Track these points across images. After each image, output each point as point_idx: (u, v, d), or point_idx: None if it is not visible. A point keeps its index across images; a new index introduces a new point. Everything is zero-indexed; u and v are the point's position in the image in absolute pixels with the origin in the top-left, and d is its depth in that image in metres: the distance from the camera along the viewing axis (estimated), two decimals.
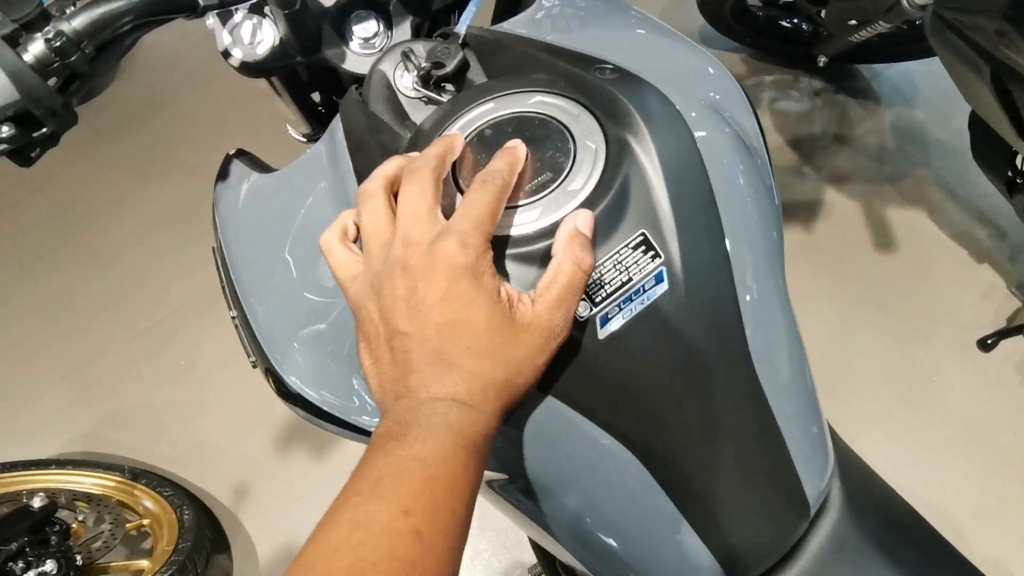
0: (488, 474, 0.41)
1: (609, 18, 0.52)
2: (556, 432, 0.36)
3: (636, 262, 0.34)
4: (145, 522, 1.16)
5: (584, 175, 0.35)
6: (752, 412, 0.38)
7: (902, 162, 1.56)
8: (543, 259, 0.33)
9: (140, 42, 0.43)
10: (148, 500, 1.16)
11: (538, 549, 0.63)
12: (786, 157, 1.59)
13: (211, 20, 0.50)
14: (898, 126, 1.63)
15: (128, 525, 1.15)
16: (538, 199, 0.35)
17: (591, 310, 0.33)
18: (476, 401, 0.31)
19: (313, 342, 0.42)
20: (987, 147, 1.21)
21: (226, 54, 0.50)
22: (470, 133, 0.39)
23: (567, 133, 0.37)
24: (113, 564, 1.11)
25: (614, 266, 0.34)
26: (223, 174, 0.52)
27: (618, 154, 0.35)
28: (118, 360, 1.51)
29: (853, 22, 1.28)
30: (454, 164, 0.37)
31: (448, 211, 0.33)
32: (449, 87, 0.45)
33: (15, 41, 0.34)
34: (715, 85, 0.46)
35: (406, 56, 0.46)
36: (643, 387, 0.35)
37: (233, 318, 0.48)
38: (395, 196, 0.34)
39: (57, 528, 1.04)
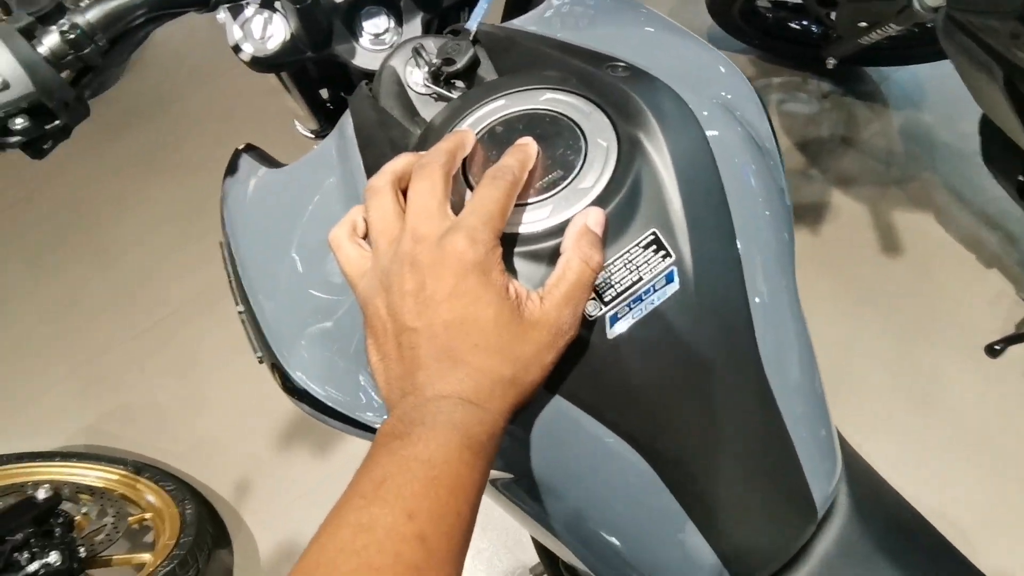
0: (493, 473, 0.41)
1: (620, 16, 0.52)
2: (563, 431, 0.36)
3: (647, 261, 0.34)
4: (147, 516, 1.16)
5: (595, 173, 0.35)
6: (760, 414, 0.38)
7: (910, 165, 1.55)
8: (553, 257, 0.33)
9: (148, 37, 0.43)
10: (151, 494, 1.17)
11: (541, 549, 0.62)
12: (794, 159, 1.59)
13: (222, 14, 0.50)
14: (906, 129, 1.62)
15: (131, 519, 1.16)
16: (549, 197, 0.34)
17: (601, 309, 0.33)
18: (482, 399, 0.30)
19: (320, 338, 0.42)
20: (998, 151, 1.20)
21: (237, 49, 0.50)
22: (481, 130, 0.38)
23: (578, 131, 0.37)
24: (116, 557, 1.11)
25: (624, 265, 0.33)
26: (232, 169, 0.51)
27: (630, 152, 0.35)
28: (122, 355, 1.51)
29: (863, 24, 1.28)
30: (464, 161, 0.37)
31: (458, 208, 0.33)
32: (459, 84, 0.45)
33: (30, 34, 0.34)
34: (727, 84, 0.46)
35: (417, 52, 0.46)
36: (652, 387, 0.35)
37: (240, 313, 0.48)
38: (404, 192, 0.34)
39: (61, 520, 1.04)
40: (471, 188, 0.36)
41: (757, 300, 0.37)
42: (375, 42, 0.52)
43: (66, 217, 1.81)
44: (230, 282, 0.49)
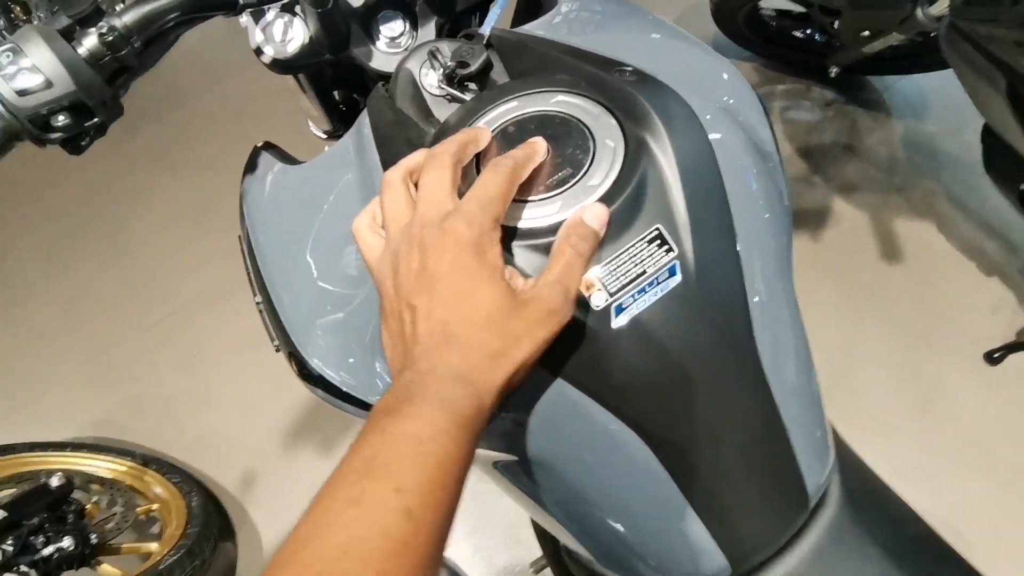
0: (496, 455, 0.42)
1: (627, 22, 0.53)
2: (567, 415, 0.37)
3: (651, 255, 0.35)
4: (155, 507, 1.18)
5: (603, 172, 0.36)
6: (757, 405, 0.40)
7: (912, 174, 1.56)
8: None
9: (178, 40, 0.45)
10: (158, 486, 1.19)
11: (541, 533, 0.64)
12: (796, 166, 1.60)
13: (244, 18, 0.51)
14: (908, 138, 1.63)
15: (138, 509, 1.18)
16: (558, 193, 0.36)
17: (607, 299, 0.35)
18: (472, 373, 0.31)
19: (336, 327, 0.44)
20: (1000, 160, 1.21)
21: (258, 51, 0.52)
22: (494, 130, 0.40)
23: (587, 132, 0.38)
24: (124, 545, 1.13)
25: (630, 258, 0.35)
26: (251, 165, 0.53)
27: (636, 152, 0.37)
28: (133, 349, 1.54)
29: (866, 33, 1.29)
30: (478, 159, 0.39)
31: None
32: (472, 86, 0.47)
33: (70, 35, 0.36)
34: (730, 90, 0.48)
35: (432, 55, 0.47)
36: (653, 375, 0.36)
37: (258, 303, 0.49)
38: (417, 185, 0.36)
39: (73, 507, 1.07)
40: None
41: (756, 299, 0.39)
42: (391, 45, 0.54)
43: (80, 213, 1.83)
44: (248, 274, 0.51)
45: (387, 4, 0.53)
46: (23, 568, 0.91)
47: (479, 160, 0.39)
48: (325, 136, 0.74)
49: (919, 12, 1.12)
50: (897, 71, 1.67)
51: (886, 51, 1.34)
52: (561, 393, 0.37)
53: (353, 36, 0.53)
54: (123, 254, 1.72)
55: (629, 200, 0.35)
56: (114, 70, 0.38)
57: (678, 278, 0.36)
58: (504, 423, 0.39)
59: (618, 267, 0.35)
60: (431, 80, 0.48)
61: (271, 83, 0.64)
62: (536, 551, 0.76)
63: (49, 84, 0.35)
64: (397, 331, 0.34)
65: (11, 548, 0.91)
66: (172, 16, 0.39)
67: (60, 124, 0.36)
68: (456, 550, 1.17)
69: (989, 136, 1.21)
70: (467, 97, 0.46)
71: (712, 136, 0.40)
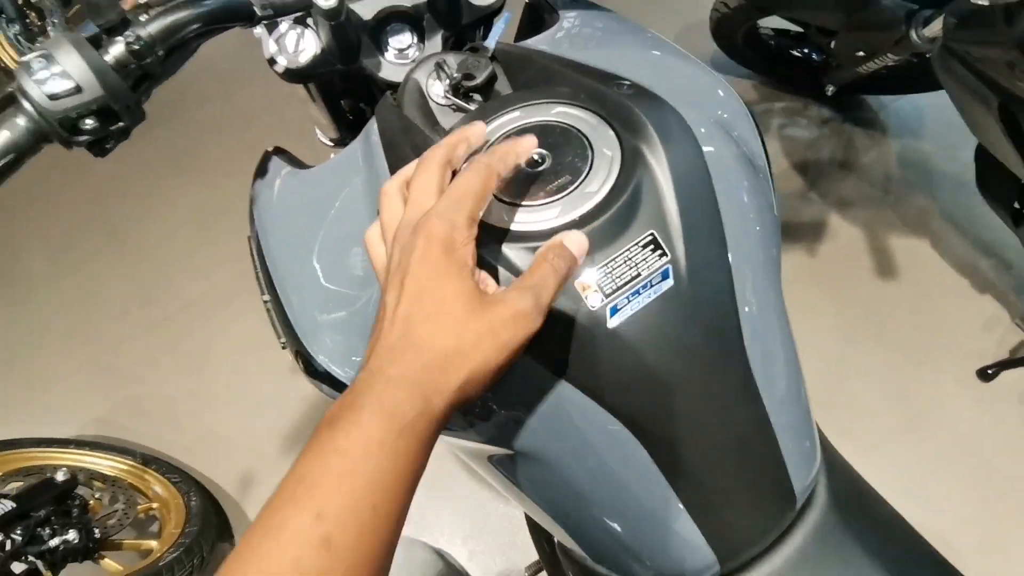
0: (491, 449, 0.44)
1: (626, 38, 0.56)
2: (562, 411, 0.39)
3: (645, 259, 0.37)
4: (154, 506, 1.19)
5: (600, 179, 0.38)
6: (746, 407, 0.41)
7: (907, 191, 1.59)
8: None
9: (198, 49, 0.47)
10: (158, 485, 1.20)
11: (536, 535, 0.65)
12: (793, 182, 1.63)
13: (258, 30, 0.53)
14: (904, 156, 1.66)
15: (139, 507, 1.19)
16: (557, 199, 0.38)
17: (602, 300, 0.36)
18: (420, 373, 0.30)
19: (342, 325, 0.45)
20: (992, 178, 1.23)
21: (272, 61, 0.54)
22: (496, 139, 0.42)
23: (586, 141, 0.40)
24: (125, 541, 1.15)
25: (625, 261, 0.37)
26: (261, 169, 0.55)
27: (632, 162, 0.39)
28: (137, 349, 1.55)
29: (861, 54, 1.31)
30: None
31: None
32: (477, 97, 0.49)
33: (97, 43, 0.38)
34: (724, 105, 0.50)
35: (439, 67, 0.49)
36: (647, 373, 0.38)
37: (266, 302, 0.51)
38: None
39: (77, 502, 1.09)
40: (495, 190, 0.39)
41: (747, 309, 0.40)
42: (399, 56, 0.56)
43: (88, 214, 1.85)
44: (256, 274, 0.52)
45: (396, 17, 0.55)
46: (31, 558, 0.93)
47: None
48: (332, 143, 0.76)
49: (913, 34, 1.14)
50: (892, 91, 1.70)
51: (882, 71, 1.36)
52: (557, 389, 0.38)
53: (363, 47, 0.55)
54: (130, 255, 1.74)
55: (625, 206, 0.37)
56: (138, 77, 0.40)
57: (670, 281, 0.37)
58: (500, 417, 0.41)
59: (614, 270, 0.37)
60: (437, 90, 0.50)
61: (280, 91, 0.66)
62: (531, 555, 0.77)
63: (79, 89, 0.36)
64: (375, 329, 0.33)
65: (20, 538, 0.93)
66: (194, 27, 0.41)
67: (88, 127, 0.38)
68: (452, 554, 1.18)
69: (982, 155, 1.24)
70: (472, 107, 0.48)
71: (705, 148, 0.42)
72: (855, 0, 1.22)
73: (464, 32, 0.59)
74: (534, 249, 0.37)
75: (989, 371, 1.29)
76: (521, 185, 0.39)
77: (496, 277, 0.36)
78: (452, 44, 0.59)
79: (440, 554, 0.67)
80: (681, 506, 0.41)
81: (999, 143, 1.07)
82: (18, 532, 0.94)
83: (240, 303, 1.55)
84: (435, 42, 0.56)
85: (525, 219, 0.38)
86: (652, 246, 0.37)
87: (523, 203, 0.38)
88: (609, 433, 0.39)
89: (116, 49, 0.38)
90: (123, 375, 1.51)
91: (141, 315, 1.60)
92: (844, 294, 1.44)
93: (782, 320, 0.45)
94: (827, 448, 0.50)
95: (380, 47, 0.56)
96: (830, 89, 1.53)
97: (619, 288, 0.36)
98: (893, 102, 1.75)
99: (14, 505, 0.98)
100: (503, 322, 0.31)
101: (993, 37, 0.91)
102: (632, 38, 0.55)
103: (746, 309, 0.41)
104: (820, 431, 0.49)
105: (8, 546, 0.93)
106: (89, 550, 1.03)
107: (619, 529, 0.42)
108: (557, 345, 0.37)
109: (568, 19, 0.58)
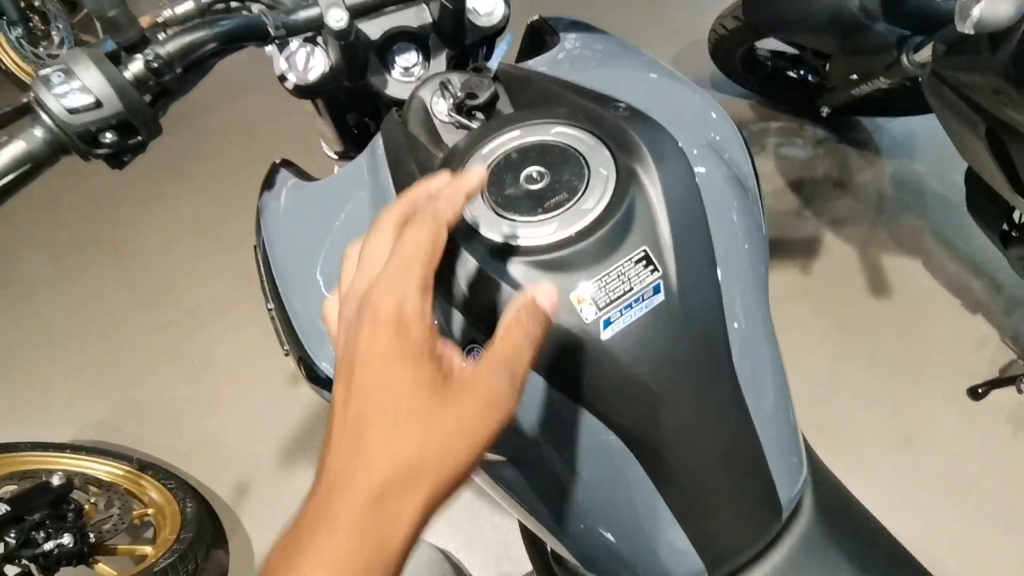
0: (486, 456, 0.45)
1: (623, 60, 0.58)
2: (556, 420, 0.40)
3: (637, 274, 0.39)
4: (150, 511, 1.19)
5: (596, 197, 0.40)
6: (734, 419, 0.42)
7: (900, 212, 1.61)
8: (553, 267, 0.38)
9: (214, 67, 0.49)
10: (153, 491, 1.20)
11: (530, 545, 0.65)
12: (787, 201, 1.65)
13: (269, 48, 0.55)
14: (897, 177, 1.68)
15: (134, 512, 1.19)
16: (554, 215, 0.40)
17: (596, 313, 0.38)
18: (377, 499, 0.25)
19: None
20: (982, 200, 1.25)
21: (282, 78, 0.56)
22: (497, 157, 0.44)
23: (583, 160, 0.42)
24: (120, 546, 1.15)
25: (618, 276, 0.38)
26: (269, 181, 0.57)
27: (626, 181, 0.40)
28: (136, 354, 1.56)
29: (855, 77, 1.34)
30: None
31: None
32: (479, 115, 0.51)
33: (116, 60, 0.40)
34: (716, 128, 0.52)
35: (443, 86, 0.51)
36: (639, 384, 0.39)
37: (270, 310, 0.52)
38: None
39: (72, 507, 1.09)
40: (495, 206, 0.41)
41: (736, 325, 0.42)
42: (405, 75, 0.58)
43: (91, 219, 1.86)
44: (262, 282, 0.54)
45: (402, 37, 0.57)
46: (24, 561, 0.93)
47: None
48: (336, 157, 0.78)
49: (904, 59, 1.17)
50: (886, 113, 1.73)
51: (876, 94, 1.38)
52: (551, 399, 0.39)
53: (370, 65, 0.57)
54: (132, 261, 1.75)
55: (619, 223, 0.39)
56: (157, 93, 0.42)
57: (661, 296, 0.39)
58: None
59: (607, 284, 0.38)
60: (441, 108, 0.51)
61: (283, 102, 0.67)
62: (525, 566, 0.78)
63: (99, 104, 0.38)
64: (328, 428, 0.28)
65: (13, 541, 0.94)
66: (211, 46, 0.42)
67: (107, 141, 0.39)
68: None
69: (971, 178, 1.26)
70: (474, 125, 0.49)
71: (697, 169, 0.44)
72: (849, 25, 1.25)
73: (468, 52, 0.61)
74: (530, 263, 0.38)
75: (979, 390, 1.30)
76: (520, 201, 0.41)
77: (496, 292, 0.38)
78: (456, 64, 0.61)
79: (445, 555, 0.67)
80: (671, 515, 0.42)
81: (987, 167, 1.09)
82: (12, 535, 0.95)
83: (241, 311, 1.56)
84: (440, 61, 0.58)
85: (523, 234, 0.39)
86: (644, 262, 0.39)
87: (521, 218, 0.40)
88: (601, 442, 0.40)
89: (135, 66, 0.40)
90: (122, 380, 1.51)
91: (142, 321, 1.61)
92: (837, 312, 1.45)
93: (770, 337, 0.46)
94: (814, 461, 0.51)
95: (386, 65, 0.58)
96: (825, 110, 1.56)
97: (612, 302, 0.38)
98: (887, 124, 1.78)
99: (9, 508, 0.98)
100: (474, 414, 0.26)
101: (979, 64, 0.93)
102: (630, 61, 0.57)
103: (735, 325, 0.42)
104: (807, 444, 0.50)
105: (2, 549, 0.94)
106: (83, 554, 1.04)
107: (610, 536, 0.43)
108: (552, 355, 0.38)
109: (568, 41, 0.60)
